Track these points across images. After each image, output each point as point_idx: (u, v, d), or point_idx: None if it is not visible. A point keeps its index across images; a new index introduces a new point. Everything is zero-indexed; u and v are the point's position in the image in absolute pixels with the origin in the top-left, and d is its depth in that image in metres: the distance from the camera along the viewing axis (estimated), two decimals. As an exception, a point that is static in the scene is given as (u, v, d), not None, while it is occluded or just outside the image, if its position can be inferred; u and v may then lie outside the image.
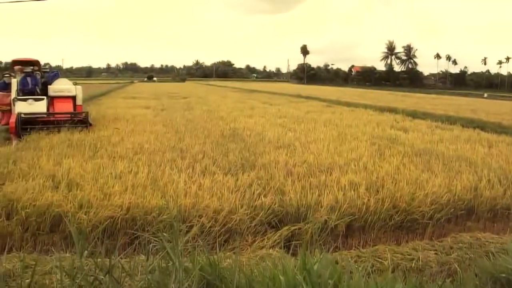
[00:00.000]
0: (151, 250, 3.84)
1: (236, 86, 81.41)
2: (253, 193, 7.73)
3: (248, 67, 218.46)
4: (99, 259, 3.62)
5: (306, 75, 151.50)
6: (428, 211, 7.55)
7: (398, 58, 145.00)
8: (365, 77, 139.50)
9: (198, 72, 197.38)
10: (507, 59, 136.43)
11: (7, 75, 17.54)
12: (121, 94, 47.15)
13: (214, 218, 6.83)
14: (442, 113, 26.00)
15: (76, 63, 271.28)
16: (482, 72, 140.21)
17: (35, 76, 17.13)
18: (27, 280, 3.77)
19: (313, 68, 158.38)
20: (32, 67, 17.41)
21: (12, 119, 14.93)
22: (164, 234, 3.76)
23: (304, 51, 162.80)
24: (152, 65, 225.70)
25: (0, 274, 4.56)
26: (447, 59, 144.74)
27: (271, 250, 6.33)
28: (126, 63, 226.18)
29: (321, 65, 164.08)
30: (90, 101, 33.33)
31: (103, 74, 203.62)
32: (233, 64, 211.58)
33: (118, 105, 27.97)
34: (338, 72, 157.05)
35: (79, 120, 15.95)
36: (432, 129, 17.95)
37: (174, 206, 6.78)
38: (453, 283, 4.63)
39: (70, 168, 9.08)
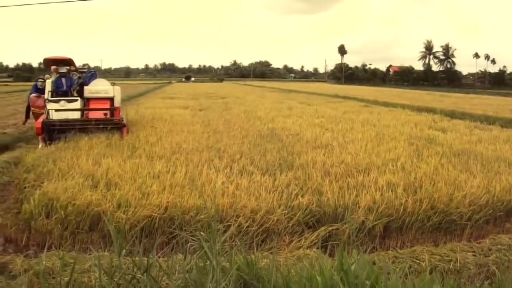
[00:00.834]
0: (189, 249, 3.84)
1: (273, 86, 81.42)
2: (291, 193, 7.68)
3: (285, 67, 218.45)
4: (137, 258, 3.64)
5: (344, 75, 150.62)
6: (467, 212, 7.41)
7: (436, 57, 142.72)
8: (403, 77, 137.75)
9: (236, 72, 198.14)
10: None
11: (41, 79, 16.79)
12: (160, 95, 47.57)
13: (252, 218, 6.82)
14: (480, 113, 25.50)
15: (115, 64, 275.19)
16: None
17: (71, 77, 16.09)
18: (66, 278, 3.80)
19: (350, 68, 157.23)
20: (68, 67, 16.25)
21: (39, 120, 14.29)
22: (202, 233, 3.76)
23: (342, 50, 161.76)
24: (190, 65, 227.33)
25: (40, 272, 4.62)
26: (485, 59, 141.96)
27: (308, 250, 6.29)
28: (164, 64, 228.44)
29: (359, 64, 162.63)
30: (128, 101, 33.74)
31: (141, 74, 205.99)
32: (271, 64, 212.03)
33: (156, 105, 28.20)
34: (375, 72, 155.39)
35: (113, 123, 14.69)
36: (470, 129, 17.61)
37: (211, 205, 6.78)
38: (492, 285, 4.52)
39: (109, 168, 9.18)
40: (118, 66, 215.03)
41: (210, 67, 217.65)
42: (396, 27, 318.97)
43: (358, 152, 11.20)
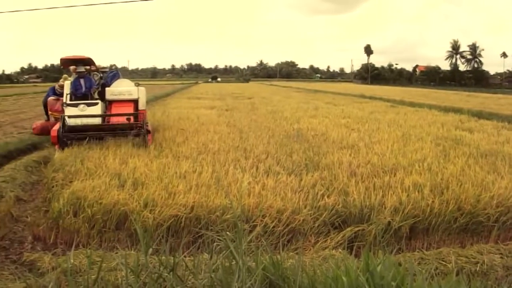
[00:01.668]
0: (215, 249, 3.84)
1: (299, 87, 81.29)
2: (317, 193, 7.65)
3: (311, 67, 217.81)
4: (163, 257, 3.65)
5: (370, 75, 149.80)
6: (494, 213, 7.28)
7: (463, 57, 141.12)
8: (430, 77, 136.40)
9: (262, 72, 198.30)
10: None
11: (61, 84, 15.01)
12: (186, 95, 47.83)
13: (278, 218, 6.81)
14: (508, 114, 25.13)
15: (141, 64, 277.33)
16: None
17: (90, 78, 14.54)
18: (93, 276, 3.83)
19: (377, 68, 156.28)
20: (88, 67, 14.78)
21: (55, 128, 12.76)
22: (228, 233, 3.76)
23: (368, 51, 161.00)
24: (216, 65, 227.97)
25: (68, 270, 4.66)
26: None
27: (334, 250, 6.27)
28: (190, 64, 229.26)
29: (385, 64, 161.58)
30: (155, 101, 33.99)
31: (167, 75, 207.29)
32: (297, 65, 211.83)
33: (182, 106, 28.37)
34: (402, 71, 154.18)
35: (135, 128, 13.20)
36: (498, 130, 17.29)
37: (237, 205, 6.78)
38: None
39: (136, 168, 9.24)
40: (144, 67, 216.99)
41: (236, 67, 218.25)
42: (423, 26, 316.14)
43: (385, 153, 11.12)
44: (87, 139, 12.61)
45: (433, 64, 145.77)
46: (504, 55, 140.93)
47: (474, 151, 11.76)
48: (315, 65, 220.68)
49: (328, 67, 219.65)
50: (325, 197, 7.50)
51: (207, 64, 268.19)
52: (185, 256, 4.11)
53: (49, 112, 14.98)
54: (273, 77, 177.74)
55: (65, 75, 15.65)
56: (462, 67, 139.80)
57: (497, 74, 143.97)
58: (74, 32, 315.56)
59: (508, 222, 7.31)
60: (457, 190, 7.79)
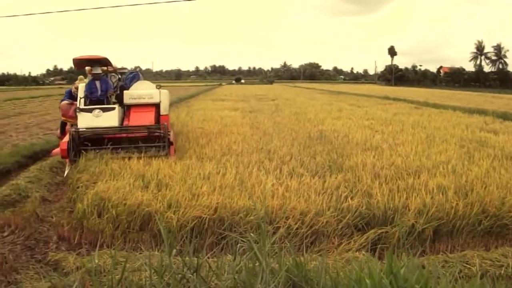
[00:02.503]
0: (238, 250, 3.83)
1: (323, 88, 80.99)
2: (340, 195, 7.63)
3: (335, 68, 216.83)
4: (187, 258, 3.66)
5: (394, 76, 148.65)
6: (519, 216, 7.20)
7: (487, 58, 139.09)
8: (454, 78, 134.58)
9: (286, 74, 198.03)
10: None
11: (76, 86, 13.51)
12: (210, 96, 47.97)
13: (301, 219, 6.80)
14: (534, 115, 24.71)
15: (166, 66, 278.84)
16: None
17: (106, 80, 13.05)
18: (117, 276, 3.85)
19: (400, 70, 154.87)
20: (105, 68, 13.50)
21: (65, 140, 11.24)
22: (252, 234, 3.75)
23: (392, 52, 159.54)
24: (240, 67, 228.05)
25: (92, 269, 4.70)
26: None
27: (357, 253, 6.25)
28: (214, 66, 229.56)
29: (409, 66, 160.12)
30: (179, 103, 34.13)
31: (191, 76, 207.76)
32: (320, 66, 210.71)
33: (207, 107, 28.45)
34: (426, 73, 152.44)
35: (156, 137, 11.76)
36: (524, 132, 17.08)
37: (261, 207, 6.78)
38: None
39: (159, 169, 9.29)
40: (169, 68, 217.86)
41: (260, 69, 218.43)
42: (447, 27, 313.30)
43: (408, 155, 11.03)
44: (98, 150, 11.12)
45: (457, 65, 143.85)
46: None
47: (499, 153, 11.61)
48: (339, 67, 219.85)
49: (352, 68, 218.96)
50: (349, 199, 7.47)
51: (231, 65, 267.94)
52: (208, 257, 4.11)
53: (62, 118, 13.68)
54: (297, 79, 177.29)
55: (80, 76, 14.39)
56: (487, 68, 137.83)
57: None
58: (99, 34, 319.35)
59: (534, 225, 7.21)
60: (481, 192, 7.70)
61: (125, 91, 12.93)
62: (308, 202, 7.26)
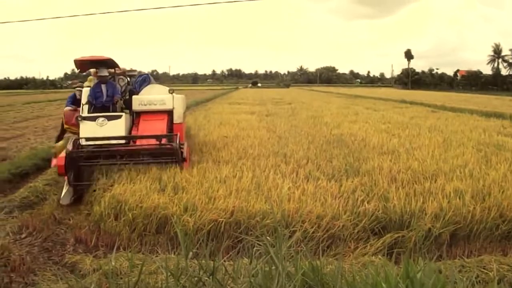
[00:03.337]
0: (255, 253, 3.84)
1: (339, 92, 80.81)
2: (357, 199, 7.60)
3: (351, 72, 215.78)
4: (203, 261, 3.67)
5: (411, 80, 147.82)
6: (537, 221, 7.12)
7: (505, 61, 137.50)
8: (471, 82, 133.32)
9: (302, 78, 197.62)
10: None
11: (80, 89, 12.02)
12: (227, 100, 48.01)
13: (317, 223, 6.80)
14: (552, 119, 24.43)
15: (183, 70, 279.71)
16: None
17: (113, 84, 11.67)
18: (134, 279, 3.87)
19: (417, 73, 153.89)
20: (112, 70, 11.99)
21: (62, 155, 9.64)
22: (268, 238, 3.75)
23: (408, 55, 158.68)
24: (256, 71, 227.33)
25: (109, 272, 4.72)
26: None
27: (373, 257, 6.24)
28: (230, 69, 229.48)
29: (426, 69, 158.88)
30: (196, 106, 34.23)
31: (208, 80, 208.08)
32: (337, 70, 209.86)
33: (223, 111, 28.46)
34: (443, 76, 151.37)
35: (167, 150, 9.99)
36: (542, 135, 16.89)
37: (277, 210, 6.78)
38: None
39: (176, 172, 9.28)
40: (186, 72, 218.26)
41: (276, 72, 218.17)
42: (463, 30, 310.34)
43: (425, 158, 10.95)
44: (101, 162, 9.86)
45: (474, 69, 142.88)
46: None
47: (516, 157, 11.50)
48: (355, 70, 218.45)
49: (368, 72, 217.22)
50: (365, 203, 7.44)
51: (247, 69, 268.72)
52: (225, 261, 4.12)
53: (65, 126, 12.18)
54: (313, 83, 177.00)
55: (90, 77, 12.30)
56: (505, 71, 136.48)
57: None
58: (116, 38, 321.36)
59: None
60: (499, 196, 7.63)
61: (133, 96, 11.61)
62: (324, 206, 7.25)
